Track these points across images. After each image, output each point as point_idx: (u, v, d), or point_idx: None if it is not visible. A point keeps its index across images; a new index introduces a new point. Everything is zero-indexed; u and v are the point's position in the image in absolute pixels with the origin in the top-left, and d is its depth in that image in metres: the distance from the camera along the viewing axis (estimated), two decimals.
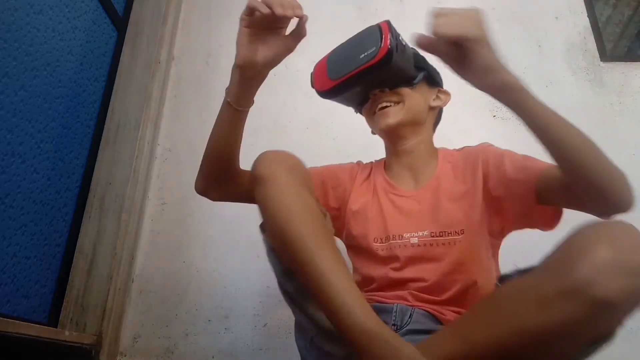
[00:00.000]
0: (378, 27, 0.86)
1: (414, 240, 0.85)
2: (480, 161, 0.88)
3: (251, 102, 0.88)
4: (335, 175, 0.99)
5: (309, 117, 1.55)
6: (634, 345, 1.21)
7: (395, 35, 0.85)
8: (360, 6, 1.73)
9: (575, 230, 0.56)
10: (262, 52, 0.81)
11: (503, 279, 0.67)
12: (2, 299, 1.00)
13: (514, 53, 1.49)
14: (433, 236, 0.85)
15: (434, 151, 0.97)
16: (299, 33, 0.82)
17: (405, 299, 0.82)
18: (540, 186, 0.78)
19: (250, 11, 0.77)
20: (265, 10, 0.74)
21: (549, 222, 0.82)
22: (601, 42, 1.68)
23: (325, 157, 1.47)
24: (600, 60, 1.63)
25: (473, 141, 0.97)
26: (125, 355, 1.27)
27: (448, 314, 0.80)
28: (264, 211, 0.70)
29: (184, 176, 1.49)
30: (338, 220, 0.97)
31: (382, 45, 0.83)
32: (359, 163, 1.05)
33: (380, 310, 0.79)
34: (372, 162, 1.05)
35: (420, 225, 0.87)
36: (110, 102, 1.46)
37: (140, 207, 1.41)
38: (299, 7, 0.76)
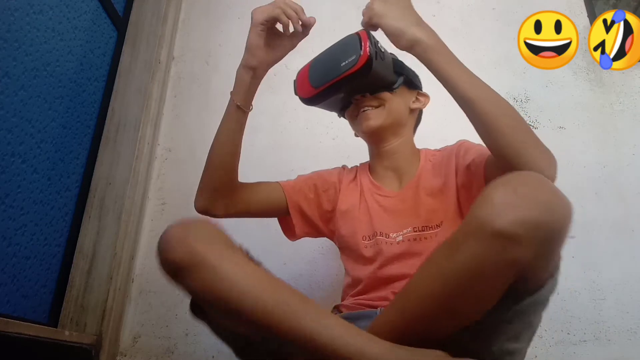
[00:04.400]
0: (357, 35, 0.88)
1: (399, 238, 0.88)
2: (454, 155, 0.91)
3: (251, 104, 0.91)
4: (324, 178, 1.02)
5: (309, 117, 1.55)
6: (634, 345, 1.21)
7: (374, 43, 0.87)
8: (360, 6, 1.72)
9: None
10: (273, 53, 0.88)
11: None
12: (2, 299, 1.00)
13: (514, 53, 1.49)
14: (416, 231, 0.87)
15: (416, 152, 1.00)
16: (305, 34, 0.88)
17: (387, 299, 0.83)
18: (487, 167, 0.81)
19: (271, 21, 0.84)
20: (286, 20, 0.83)
21: None
22: None
23: (325, 157, 1.48)
24: None
25: (469, 138, 0.96)
26: (125, 355, 1.27)
27: None
28: (209, 297, 0.62)
29: (184, 176, 1.49)
30: (332, 222, 1.00)
31: (362, 53, 0.85)
32: (344, 167, 1.07)
33: (362, 317, 0.80)
34: (356, 166, 1.07)
35: (404, 223, 0.89)
36: (110, 102, 1.46)
37: (140, 207, 1.41)
38: (302, 12, 0.85)
